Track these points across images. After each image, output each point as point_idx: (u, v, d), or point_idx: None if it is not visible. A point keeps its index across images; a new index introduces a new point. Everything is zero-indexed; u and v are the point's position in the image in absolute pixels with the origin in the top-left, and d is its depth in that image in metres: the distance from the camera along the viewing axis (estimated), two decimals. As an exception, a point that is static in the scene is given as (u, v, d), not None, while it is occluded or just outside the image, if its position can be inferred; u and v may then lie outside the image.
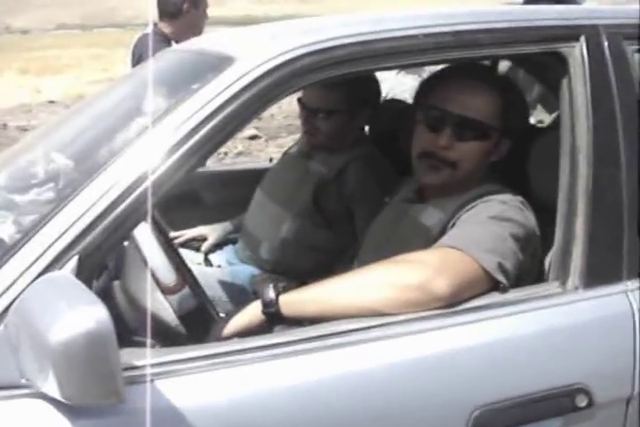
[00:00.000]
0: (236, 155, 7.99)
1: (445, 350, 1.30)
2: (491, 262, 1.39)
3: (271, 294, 1.38)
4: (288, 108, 9.92)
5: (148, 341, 1.25)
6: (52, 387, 0.99)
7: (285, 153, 2.64)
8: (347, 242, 2.22)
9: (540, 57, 1.55)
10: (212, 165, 5.52)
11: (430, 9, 1.63)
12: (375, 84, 2.38)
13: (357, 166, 2.26)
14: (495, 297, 1.38)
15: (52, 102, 12.28)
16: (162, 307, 1.39)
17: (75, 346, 0.94)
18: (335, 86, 2.13)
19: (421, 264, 1.36)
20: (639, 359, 1.40)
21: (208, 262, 2.54)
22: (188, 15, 3.60)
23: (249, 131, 9.04)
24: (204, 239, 2.63)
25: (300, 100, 2.32)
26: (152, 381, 1.14)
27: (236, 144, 8.42)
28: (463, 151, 1.62)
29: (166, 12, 3.60)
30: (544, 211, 1.56)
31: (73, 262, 1.13)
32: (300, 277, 2.28)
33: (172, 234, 2.63)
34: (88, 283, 1.13)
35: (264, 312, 1.38)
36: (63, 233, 1.15)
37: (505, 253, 1.42)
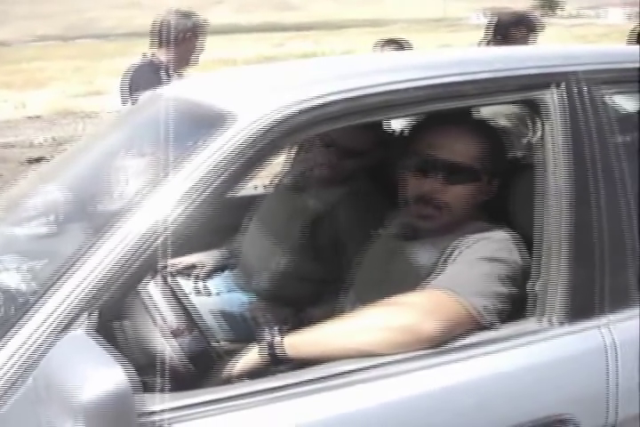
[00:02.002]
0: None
1: (436, 388, 1.39)
2: (478, 305, 1.47)
3: (272, 336, 1.47)
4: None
5: (170, 388, 1.31)
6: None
7: (278, 183, 2.71)
8: (340, 272, 2.29)
9: (522, 104, 1.65)
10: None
11: (417, 57, 1.70)
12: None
13: (350, 202, 2.30)
14: (481, 335, 1.46)
15: (37, 117, 12.30)
16: (168, 350, 1.46)
17: (96, 407, 1.04)
18: (369, 127, 2.13)
19: (411, 307, 1.45)
20: (620, 389, 1.49)
21: (205, 289, 2.59)
22: (187, 45, 3.64)
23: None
24: (200, 266, 2.69)
25: (323, 135, 2.27)
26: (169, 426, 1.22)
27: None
28: (455, 194, 1.71)
29: (166, 40, 3.63)
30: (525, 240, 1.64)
31: (86, 319, 1.21)
32: (294, 305, 2.36)
33: (170, 262, 2.70)
34: (102, 337, 1.20)
35: (266, 354, 1.47)
36: (76, 290, 1.23)
37: (493, 295, 1.50)
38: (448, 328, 1.43)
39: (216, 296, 2.53)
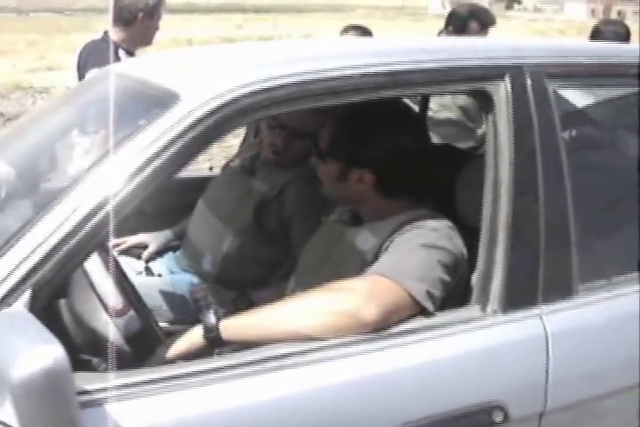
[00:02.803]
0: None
1: (374, 372, 1.41)
2: (419, 291, 1.49)
3: (212, 319, 1.47)
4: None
5: (111, 367, 1.31)
6: (8, 415, 1.07)
7: (227, 165, 2.70)
8: (286, 255, 2.31)
9: (470, 94, 1.67)
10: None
11: (368, 44, 1.71)
12: None
13: (298, 185, 2.31)
14: (421, 321, 1.49)
15: (-13, 91, 12.01)
16: (109, 329, 1.45)
17: (34, 382, 1.02)
18: (319, 111, 2.16)
19: (352, 292, 1.46)
20: (551, 378, 1.52)
21: (149, 270, 2.59)
22: (142, 25, 3.56)
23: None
24: (144, 247, 2.69)
25: (272, 117, 2.28)
26: (104, 405, 1.21)
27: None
28: (318, 170, 1.83)
29: (121, 19, 3.55)
30: (471, 230, 1.67)
31: (27, 296, 1.19)
32: (239, 287, 2.36)
33: (114, 241, 2.69)
34: (42, 314, 1.19)
35: (205, 337, 1.47)
36: (17, 266, 1.21)
37: (433, 281, 1.53)
38: (389, 313, 1.45)
39: (158, 277, 2.53)
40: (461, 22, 4.10)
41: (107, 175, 1.32)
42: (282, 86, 1.41)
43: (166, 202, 2.90)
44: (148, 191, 1.31)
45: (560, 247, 1.60)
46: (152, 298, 2.35)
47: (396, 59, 1.55)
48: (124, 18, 3.53)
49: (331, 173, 1.78)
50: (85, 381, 1.22)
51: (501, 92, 1.59)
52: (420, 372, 1.44)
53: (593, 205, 1.79)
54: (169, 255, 2.67)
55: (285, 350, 1.37)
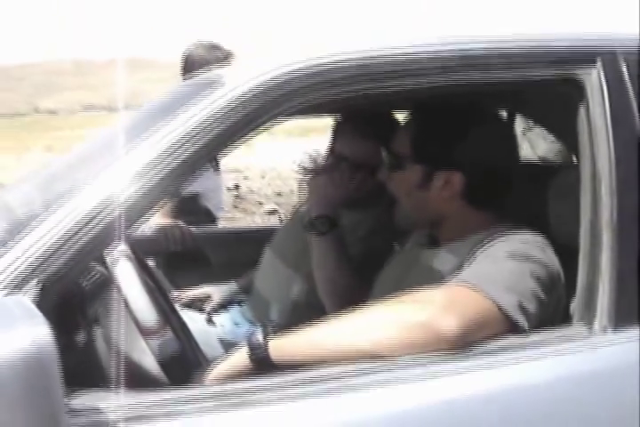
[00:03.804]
0: (255, 230, 7.90)
1: (454, 398, 1.15)
2: (509, 302, 1.24)
3: (259, 336, 1.24)
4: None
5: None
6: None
7: (295, 211, 2.54)
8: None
9: (555, 83, 1.45)
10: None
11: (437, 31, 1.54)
12: None
13: (368, 224, 2.15)
14: (512, 339, 1.23)
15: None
16: (141, 351, 1.25)
17: (7, 372, 0.81)
18: (373, 140, 1.97)
19: (427, 302, 1.21)
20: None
21: (212, 323, 2.44)
22: None
23: (268, 206, 9.03)
24: (208, 299, 2.55)
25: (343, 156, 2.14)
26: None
27: (254, 219, 8.39)
28: (393, 182, 1.63)
29: (191, 71, 3.51)
30: (564, 254, 1.42)
31: (33, 287, 1.01)
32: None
33: (177, 293, 2.56)
34: (50, 309, 1.01)
35: (251, 357, 1.23)
36: (24, 257, 1.04)
37: (525, 293, 1.27)
38: (472, 327, 1.19)
39: (220, 327, 2.39)
40: None
41: (123, 168, 1.14)
42: (336, 64, 1.23)
43: (232, 254, 2.78)
44: (170, 182, 1.13)
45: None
46: (212, 348, 2.17)
47: (471, 39, 1.36)
48: (192, 70, 3.49)
49: (412, 181, 1.56)
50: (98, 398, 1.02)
51: (594, 78, 1.38)
52: (511, 398, 1.17)
53: None
54: (234, 308, 2.52)
55: (346, 369, 1.13)
